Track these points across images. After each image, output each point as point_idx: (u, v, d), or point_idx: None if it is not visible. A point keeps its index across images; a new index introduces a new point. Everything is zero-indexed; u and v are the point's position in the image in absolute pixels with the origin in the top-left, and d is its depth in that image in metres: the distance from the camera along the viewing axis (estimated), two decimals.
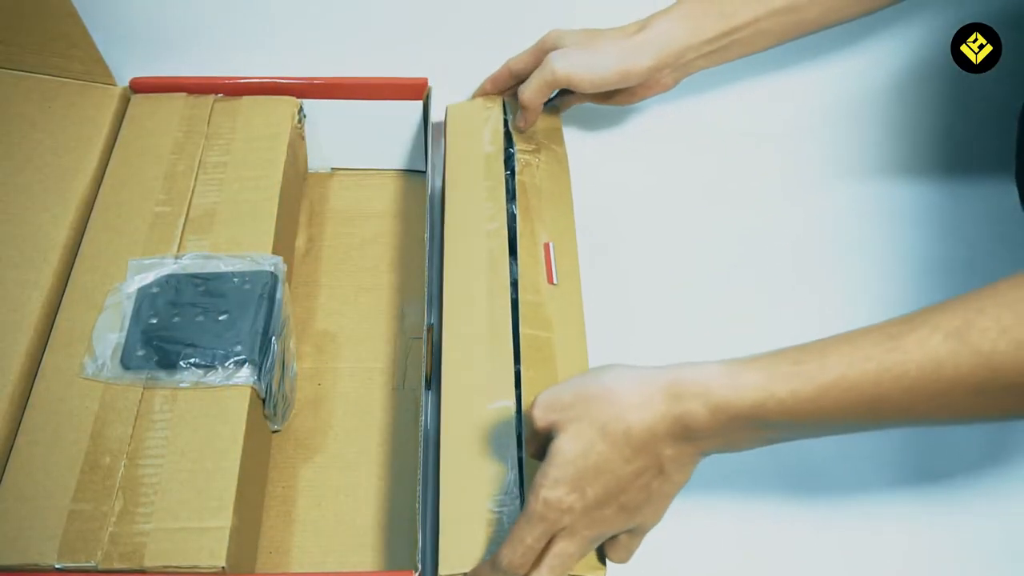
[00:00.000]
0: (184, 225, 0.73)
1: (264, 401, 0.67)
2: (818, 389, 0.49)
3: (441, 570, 0.58)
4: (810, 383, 0.49)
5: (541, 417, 0.55)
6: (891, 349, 0.48)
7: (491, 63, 0.83)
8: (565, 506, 0.53)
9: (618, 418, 0.52)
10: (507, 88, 0.83)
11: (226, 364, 0.65)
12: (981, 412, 0.50)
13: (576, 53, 0.76)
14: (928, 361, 0.47)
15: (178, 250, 0.71)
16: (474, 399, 0.65)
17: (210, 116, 0.80)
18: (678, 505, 0.57)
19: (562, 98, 0.83)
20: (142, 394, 0.64)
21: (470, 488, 0.61)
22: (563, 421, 0.54)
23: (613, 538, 0.58)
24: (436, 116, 0.85)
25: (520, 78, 0.80)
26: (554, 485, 0.53)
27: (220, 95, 0.82)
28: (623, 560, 0.59)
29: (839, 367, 0.49)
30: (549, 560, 0.55)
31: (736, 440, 0.53)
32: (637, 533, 0.58)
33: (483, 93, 0.83)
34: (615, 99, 0.80)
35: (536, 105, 0.78)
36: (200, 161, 0.77)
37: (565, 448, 0.53)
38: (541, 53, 0.78)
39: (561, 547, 0.55)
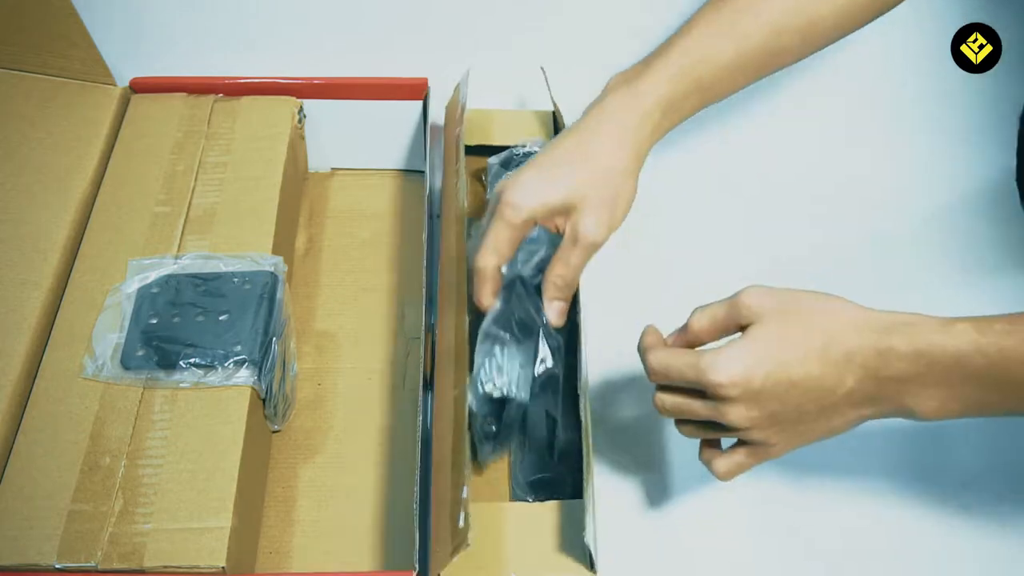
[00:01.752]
0: (184, 225, 0.73)
1: (264, 401, 0.67)
2: None
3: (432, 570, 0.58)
4: (1022, 344, 0.49)
5: (752, 296, 0.55)
6: None
7: (491, 63, 0.82)
8: (729, 378, 0.53)
9: (823, 330, 0.52)
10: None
11: (226, 364, 0.65)
12: None
13: (600, 215, 0.62)
14: None
15: (178, 250, 0.71)
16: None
17: (210, 116, 0.80)
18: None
19: None
20: (142, 394, 0.64)
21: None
22: (770, 310, 0.54)
23: (732, 448, 0.58)
24: (436, 116, 0.85)
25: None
26: (730, 361, 0.53)
27: (220, 95, 0.82)
28: (724, 476, 0.58)
29: None
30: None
31: (921, 397, 0.52)
32: (754, 454, 0.57)
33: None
34: None
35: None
36: (200, 161, 0.77)
37: (762, 337, 0.53)
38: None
39: (697, 407, 0.56)
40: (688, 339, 0.58)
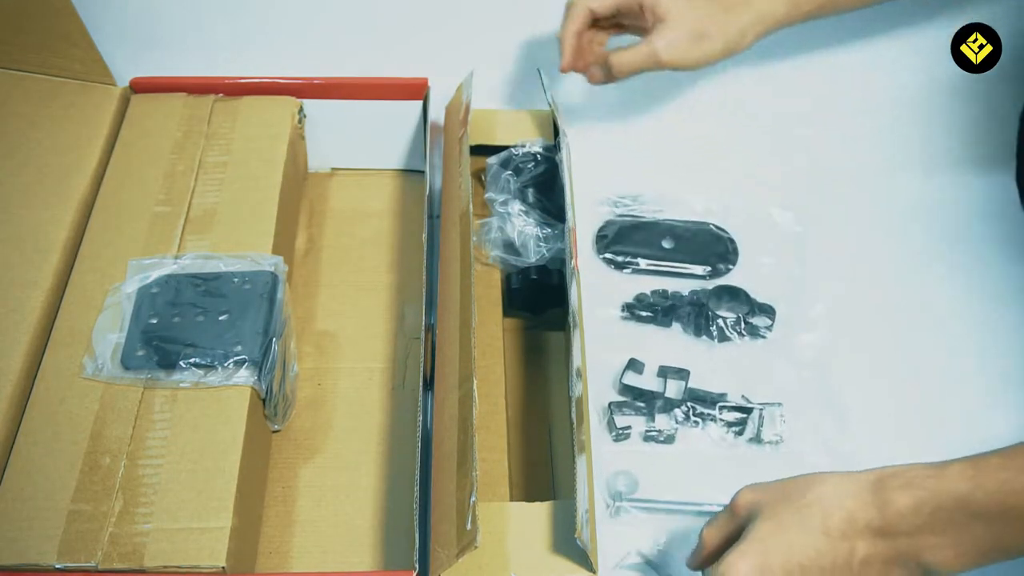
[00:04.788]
0: (184, 225, 0.73)
1: (265, 401, 0.67)
2: None
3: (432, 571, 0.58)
4: (1020, 474, 0.48)
5: (745, 496, 0.56)
6: None
7: (491, 63, 0.83)
8: None
9: (817, 503, 0.52)
10: (584, 29, 0.76)
11: (226, 364, 0.64)
12: None
13: (684, 41, 0.72)
14: None
15: (178, 250, 0.71)
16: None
17: (210, 116, 0.80)
18: None
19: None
20: (142, 394, 0.64)
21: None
22: (764, 503, 0.54)
23: None
24: (436, 116, 0.85)
25: (599, 17, 0.75)
26: (740, 557, 0.53)
27: (220, 95, 0.82)
28: None
29: None
30: None
31: (936, 549, 0.50)
32: None
33: (570, 54, 0.76)
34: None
35: (624, 76, 0.74)
36: (200, 161, 0.77)
37: (761, 530, 0.53)
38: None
39: None
40: (705, 555, 0.59)
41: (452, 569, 0.57)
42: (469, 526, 0.56)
